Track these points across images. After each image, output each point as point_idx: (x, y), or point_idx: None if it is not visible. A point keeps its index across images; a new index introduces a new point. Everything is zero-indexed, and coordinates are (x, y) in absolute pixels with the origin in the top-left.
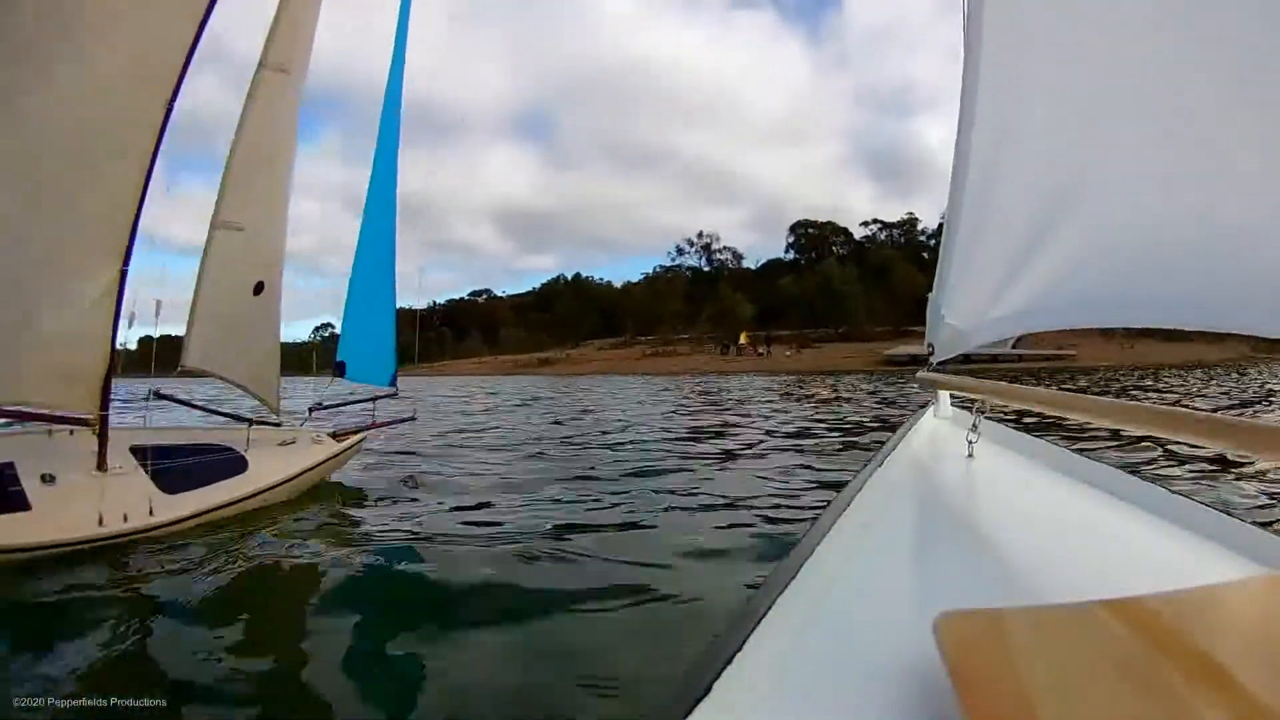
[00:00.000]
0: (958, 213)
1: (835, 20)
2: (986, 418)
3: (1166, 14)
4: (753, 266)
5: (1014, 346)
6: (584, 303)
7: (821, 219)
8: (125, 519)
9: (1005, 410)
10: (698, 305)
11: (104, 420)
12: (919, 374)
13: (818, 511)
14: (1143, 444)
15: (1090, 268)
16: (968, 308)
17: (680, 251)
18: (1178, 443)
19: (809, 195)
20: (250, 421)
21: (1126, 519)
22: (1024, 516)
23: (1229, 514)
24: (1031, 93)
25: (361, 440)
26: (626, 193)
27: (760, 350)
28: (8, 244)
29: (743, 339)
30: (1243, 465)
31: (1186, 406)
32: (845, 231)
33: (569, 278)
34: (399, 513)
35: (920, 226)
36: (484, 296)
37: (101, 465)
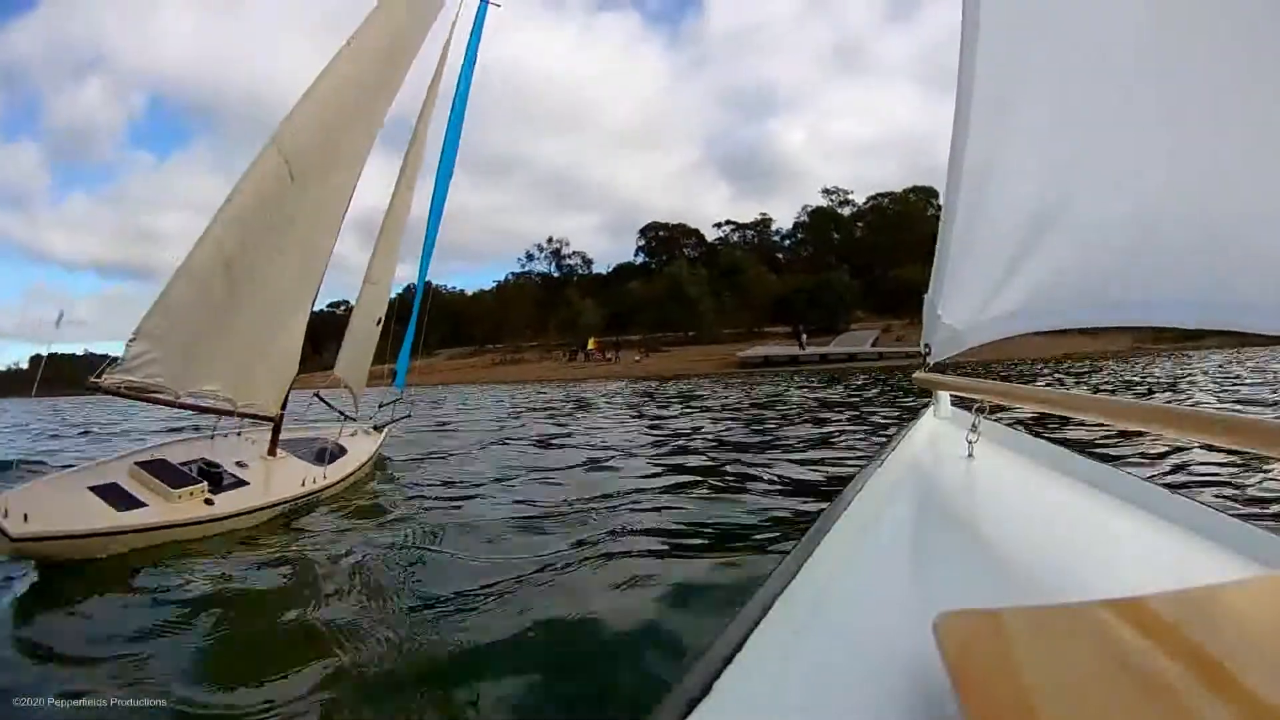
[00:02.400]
0: (953, 214)
1: (695, 24)
2: (986, 418)
3: (1161, 18)
4: (604, 271)
5: (873, 345)
6: (435, 312)
7: (674, 221)
8: (315, 481)
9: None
10: (547, 311)
11: (281, 418)
12: (915, 374)
13: (818, 511)
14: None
15: (1087, 267)
16: (965, 308)
17: (530, 258)
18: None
19: (665, 199)
20: (344, 416)
21: (1126, 519)
22: (1024, 516)
23: (1229, 514)
24: (1026, 95)
25: (388, 431)
26: (482, 199)
27: (609, 356)
28: (281, 290)
29: (591, 345)
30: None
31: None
32: (696, 233)
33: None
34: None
35: (774, 227)
36: (342, 308)
37: (272, 452)
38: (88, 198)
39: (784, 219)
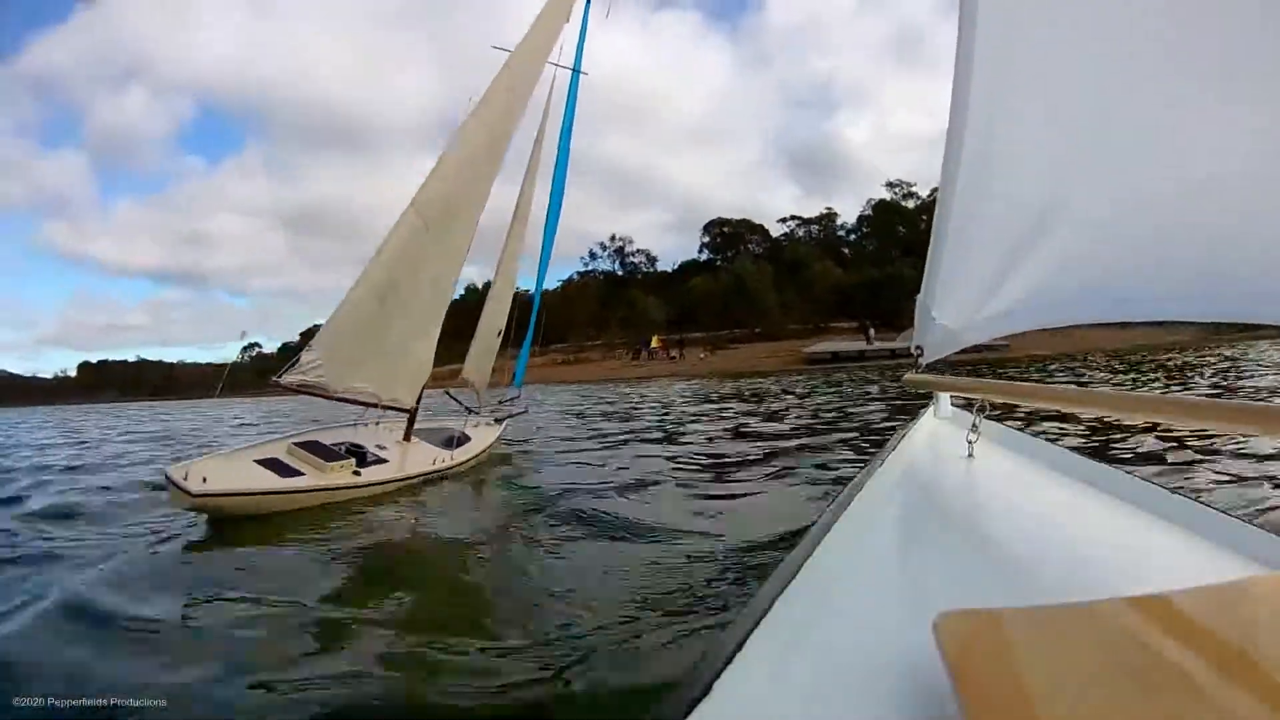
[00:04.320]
0: (947, 213)
1: (755, 19)
2: (986, 418)
3: (1158, 15)
4: (670, 269)
5: None
6: None
7: (738, 218)
8: (443, 461)
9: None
10: (610, 309)
11: (416, 410)
12: (907, 376)
13: (818, 511)
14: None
15: (1083, 265)
16: (958, 308)
17: (593, 256)
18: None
19: (729, 196)
20: (469, 410)
21: (1126, 519)
22: (1024, 516)
23: (1229, 514)
24: (1023, 93)
25: (506, 425)
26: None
27: (673, 354)
28: (420, 312)
29: (654, 342)
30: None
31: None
32: (761, 229)
33: (480, 287)
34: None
35: (839, 222)
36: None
37: (407, 437)
38: (138, 204)
39: (849, 213)
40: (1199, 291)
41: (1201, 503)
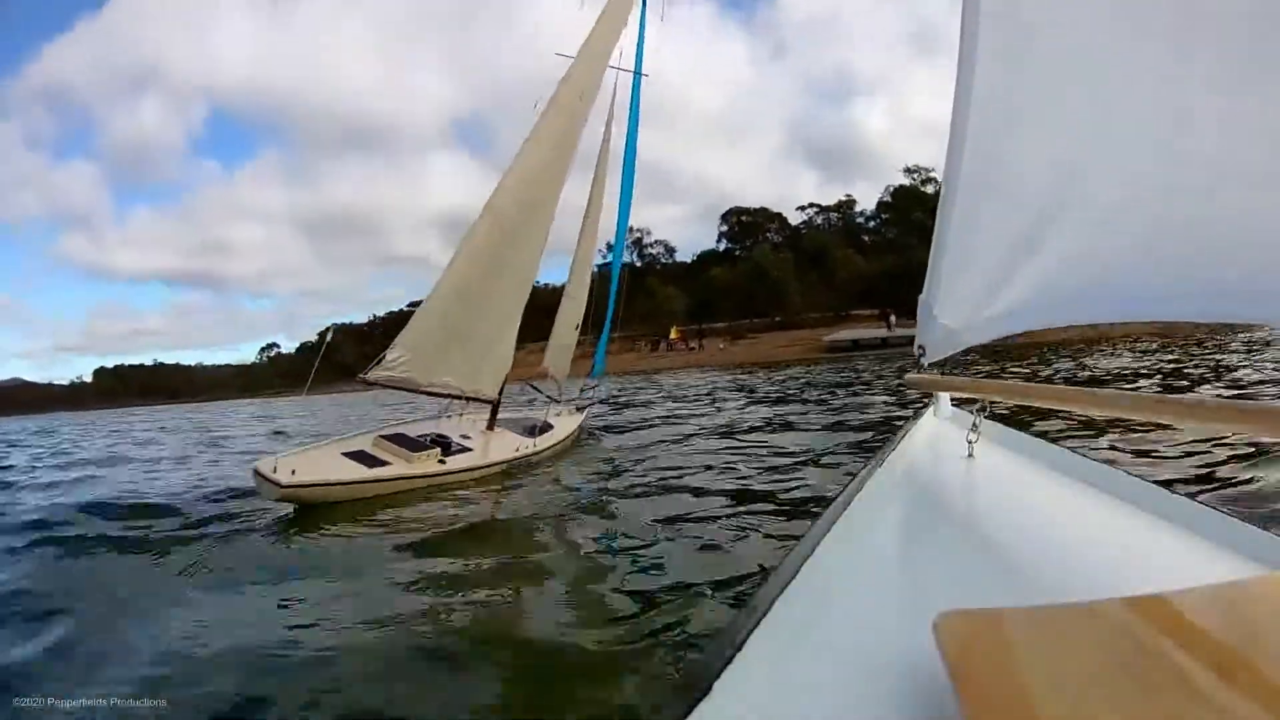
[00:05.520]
0: (949, 211)
1: (770, 12)
2: (987, 418)
3: (1162, 13)
4: (689, 259)
5: None
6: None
7: (756, 206)
8: (526, 449)
9: (1005, 410)
10: (629, 301)
11: (499, 401)
12: (908, 375)
13: (818, 511)
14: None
15: (1085, 265)
16: (961, 307)
17: (610, 248)
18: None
19: (749, 187)
20: (550, 400)
21: (1126, 519)
22: (1024, 516)
23: (1229, 514)
24: (1027, 91)
25: (588, 412)
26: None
27: (692, 344)
28: (499, 308)
29: (673, 334)
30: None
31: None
32: (779, 217)
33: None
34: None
35: (858, 208)
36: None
37: (491, 427)
38: (155, 211)
39: (868, 201)
40: (1200, 291)
41: (1201, 503)
